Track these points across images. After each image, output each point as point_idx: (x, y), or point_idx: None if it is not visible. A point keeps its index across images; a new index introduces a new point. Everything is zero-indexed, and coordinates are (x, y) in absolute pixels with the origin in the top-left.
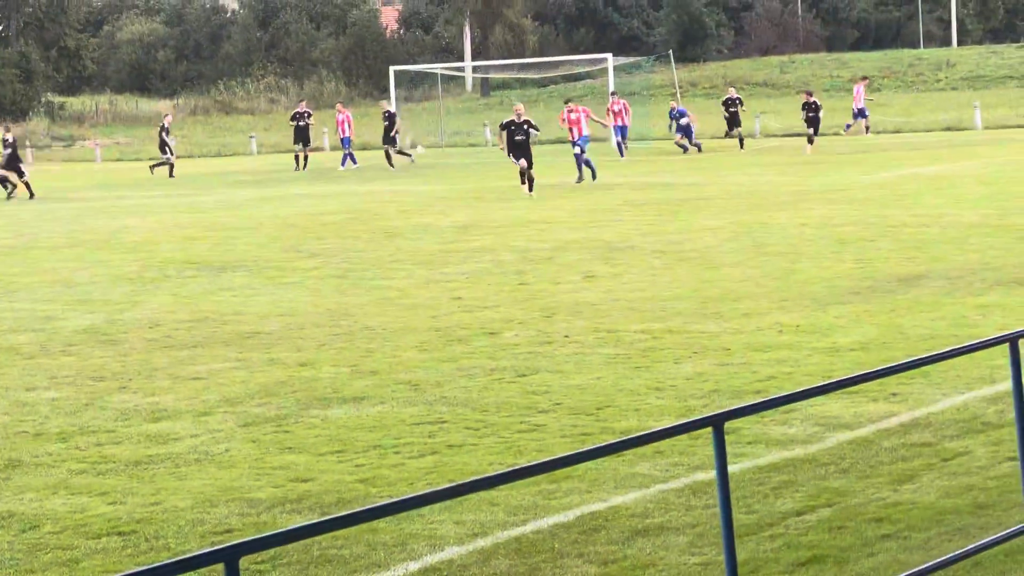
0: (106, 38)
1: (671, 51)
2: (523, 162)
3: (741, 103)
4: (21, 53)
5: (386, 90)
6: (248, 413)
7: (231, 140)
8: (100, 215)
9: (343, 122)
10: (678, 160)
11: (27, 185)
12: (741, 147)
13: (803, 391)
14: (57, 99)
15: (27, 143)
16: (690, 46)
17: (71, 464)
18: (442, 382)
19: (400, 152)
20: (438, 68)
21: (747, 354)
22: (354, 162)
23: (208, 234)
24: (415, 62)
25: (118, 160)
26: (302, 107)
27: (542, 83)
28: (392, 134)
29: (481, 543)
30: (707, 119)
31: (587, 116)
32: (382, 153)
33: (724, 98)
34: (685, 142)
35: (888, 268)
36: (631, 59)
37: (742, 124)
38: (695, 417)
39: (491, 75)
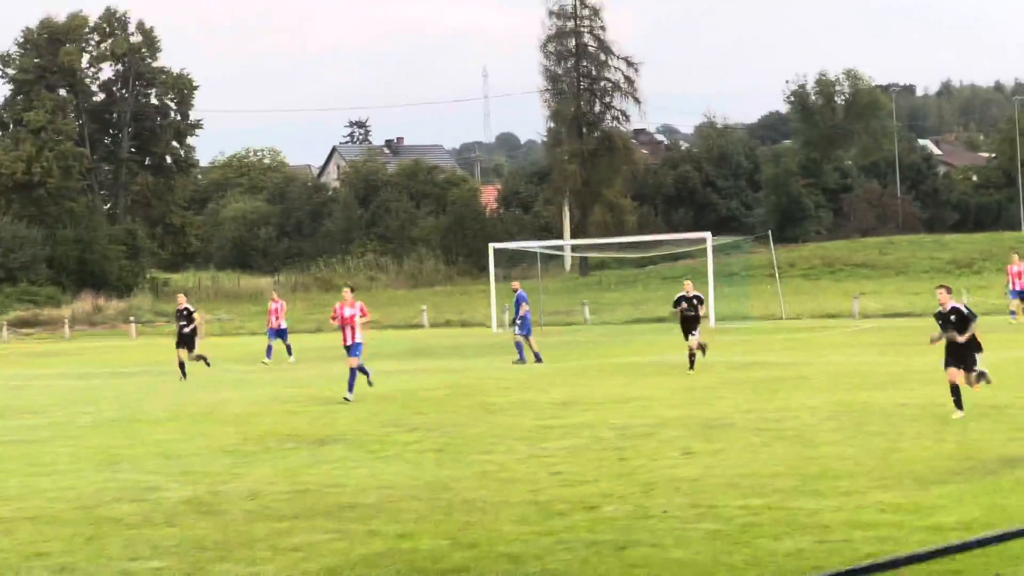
0: (210, 215)
1: (770, 231)
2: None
3: (701, 302)
4: (128, 230)
5: (485, 268)
6: None
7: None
8: (202, 388)
9: (275, 311)
10: (776, 339)
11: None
12: (691, 366)
13: (905, 557)
14: (161, 275)
15: (131, 318)
16: (789, 227)
17: None
18: (541, 555)
19: None
20: (537, 247)
21: (847, 532)
22: (289, 354)
23: (308, 408)
24: (514, 240)
25: (219, 335)
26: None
27: (641, 263)
28: None
29: None
30: (797, 299)
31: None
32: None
33: (678, 295)
34: (521, 339)
35: (991, 448)
36: (730, 239)
37: (697, 330)
38: None
39: (590, 254)
